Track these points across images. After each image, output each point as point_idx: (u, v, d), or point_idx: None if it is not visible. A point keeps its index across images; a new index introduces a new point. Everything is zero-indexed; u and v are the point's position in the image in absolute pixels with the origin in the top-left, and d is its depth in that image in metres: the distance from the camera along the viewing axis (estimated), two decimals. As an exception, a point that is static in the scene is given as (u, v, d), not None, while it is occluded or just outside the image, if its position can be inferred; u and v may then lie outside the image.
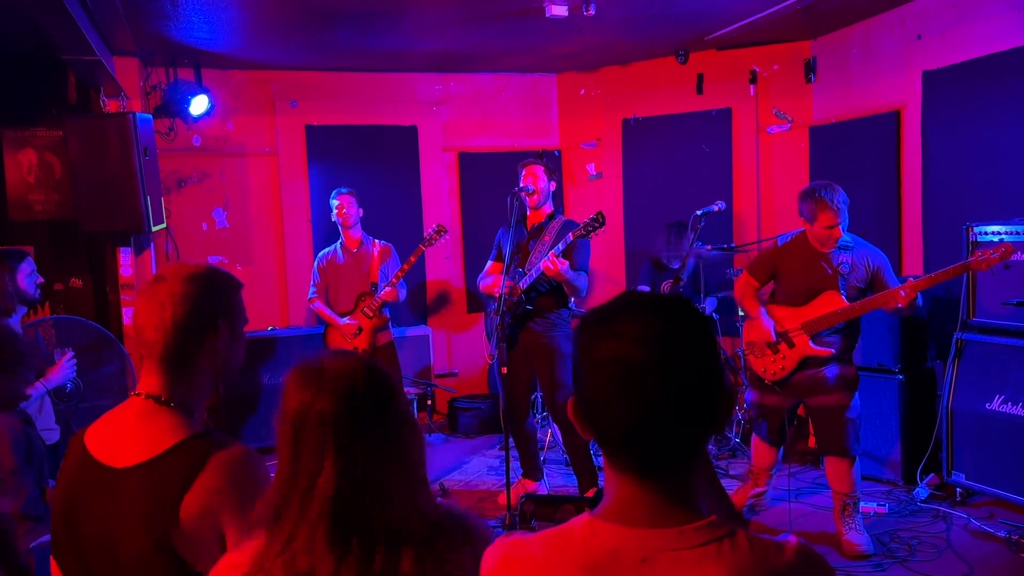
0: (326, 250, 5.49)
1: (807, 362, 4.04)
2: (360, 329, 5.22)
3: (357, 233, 5.39)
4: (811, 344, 3.99)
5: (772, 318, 4.14)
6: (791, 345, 4.05)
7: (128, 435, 1.58)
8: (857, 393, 4.05)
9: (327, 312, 5.32)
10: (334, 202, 5.33)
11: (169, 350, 1.59)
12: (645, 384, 1.08)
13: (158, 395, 1.60)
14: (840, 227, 3.87)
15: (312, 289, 5.44)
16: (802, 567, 1.10)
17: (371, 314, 5.21)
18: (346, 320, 5.23)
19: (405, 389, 5.53)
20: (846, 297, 3.94)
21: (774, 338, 4.09)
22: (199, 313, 1.59)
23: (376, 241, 5.40)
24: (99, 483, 1.56)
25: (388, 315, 5.34)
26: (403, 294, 5.31)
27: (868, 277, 3.97)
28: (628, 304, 1.16)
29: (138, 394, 1.62)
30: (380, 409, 1.35)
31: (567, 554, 1.13)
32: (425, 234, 5.32)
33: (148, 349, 1.61)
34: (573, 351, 1.18)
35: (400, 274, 5.19)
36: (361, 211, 5.38)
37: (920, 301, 3.84)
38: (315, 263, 5.49)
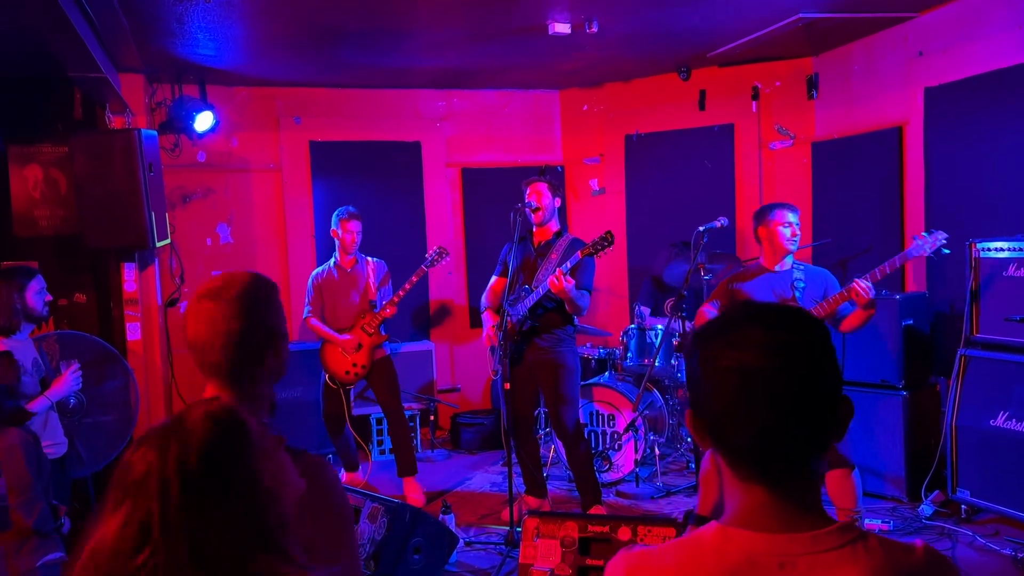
0: (319, 269, 5.51)
1: None
2: (360, 345, 5.25)
3: (353, 254, 5.44)
4: None
5: None
6: None
7: None
8: None
9: (324, 329, 5.33)
10: (341, 225, 5.31)
11: (233, 366, 1.59)
12: (773, 392, 1.11)
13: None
14: (796, 227, 4.11)
15: (307, 308, 5.44)
16: (932, 567, 1.12)
17: (371, 331, 5.25)
18: (346, 336, 5.26)
19: (407, 405, 5.55)
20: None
21: None
22: (259, 328, 1.61)
23: (369, 259, 5.46)
24: None
25: (385, 332, 5.37)
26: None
27: (823, 292, 4.11)
28: (749, 314, 1.19)
29: None
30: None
31: (701, 562, 1.14)
32: (427, 255, 5.37)
33: (213, 369, 1.60)
34: (691, 364, 1.20)
35: (402, 293, 5.23)
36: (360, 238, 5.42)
37: (873, 293, 3.92)
38: (309, 282, 5.50)
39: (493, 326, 4.73)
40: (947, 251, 3.93)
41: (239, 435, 1.19)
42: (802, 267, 4.22)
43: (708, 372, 1.15)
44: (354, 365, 5.26)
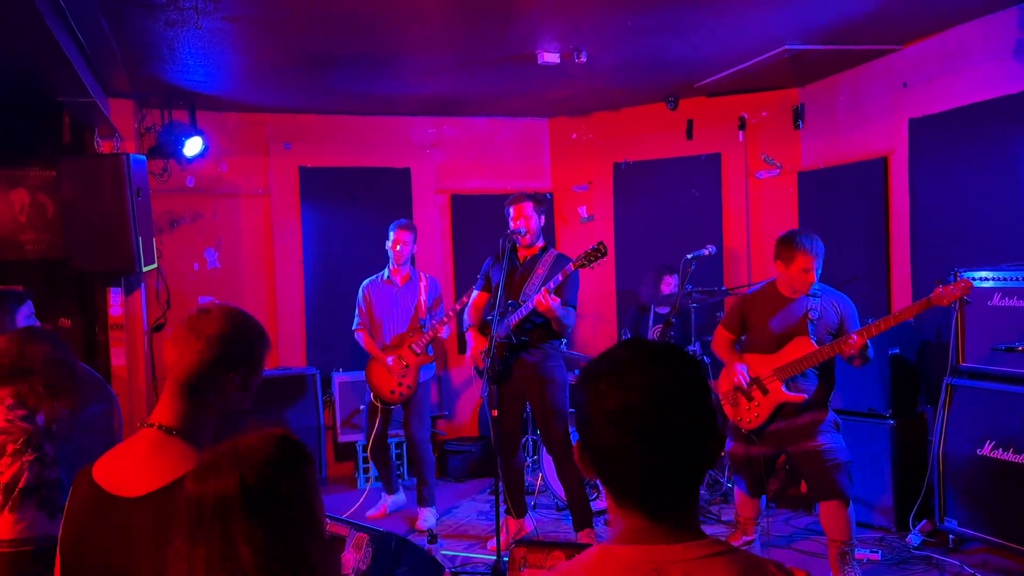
0: (372, 278, 5.48)
1: (782, 410, 4.02)
2: (407, 365, 5.20)
3: (407, 267, 5.42)
4: (784, 390, 3.98)
5: (745, 366, 4.15)
6: (765, 392, 4.03)
7: (139, 465, 1.63)
8: (840, 435, 4.04)
9: (373, 345, 5.32)
10: (391, 234, 5.34)
11: (192, 379, 1.67)
12: (658, 434, 1.18)
13: (170, 426, 1.66)
14: (814, 273, 3.95)
15: (356, 320, 5.42)
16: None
17: (419, 350, 5.21)
18: (392, 359, 5.22)
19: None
20: (816, 342, 3.95)
21: (746, 383, 4.08)
22: (226, 353, 1.68)
23: (423, 275, 5.44)
24: (110, 514, 1.59)
25: (432, 353, 5.34)
26: (447, 331, 5.32)
27: (838, 322, 4.00)
28: (633, 355, 1.24)
29: (151, 425, 1.68)
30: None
31: None
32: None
33: (175, 372, 1.69)
34: (578, 400, 1.25)
35: (451, 314, 5.21)
36: (415, 248, 5.41)
37: (871, 352, 3.84)
38: (360, 292, 5.46)
39: (478, 349, 4.70)
40: (970, 300, 3.77)
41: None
42: (819, 292, 4.03)
43: (596, 412, 1.21)
44: (399, 385, 5.19)
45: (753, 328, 4.17)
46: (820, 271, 3.98)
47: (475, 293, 4.93)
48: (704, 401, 1.22)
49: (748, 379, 4.08)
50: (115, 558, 1.55)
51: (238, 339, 1.70)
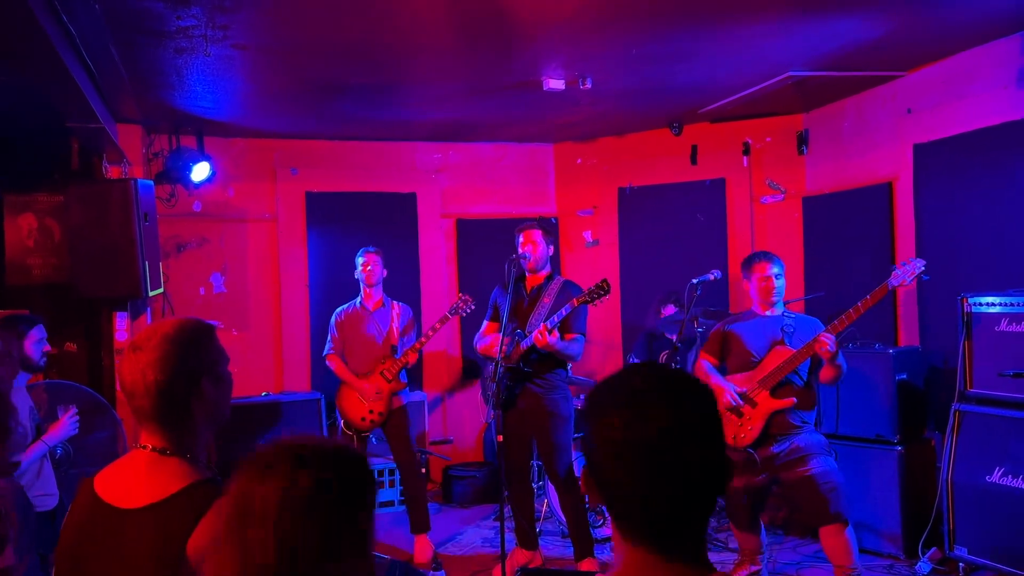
0: (344, 306, 5.45)
1: (773, 420, 4.05)
2: (379, 392, 5.16)
3: (378, 293, 5.38)
4: (771, 397, 4.06)
5: (733, 384, 4.25)
6: (753, 405, 4.10)
7: (138, 480, 1.65)
8: (831, 458, 4.06)
9: (344, 370, 5.27)
10: (360, 259, 5.33)
11: (159, 412, 1.66)
12: (671, 469, 1.15)
13: (163, 448, 1.67)
14: (775, 279, 4.19)
15: (328, 345, 5.38)
16: None
17: (390, 377, 5.17)
18: (365, 386, 5.18)
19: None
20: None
21: (735, 400, 4.12)
22: (180, 374, 1.65)
23: (395, 303, 5.41)
24: (108, 524, 1.61)
25: (405, 380, 5.29)
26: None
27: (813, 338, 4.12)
28: (645, 385, 1.20)
29: (143, 447, 1.69)
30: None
31: None
32: (452, 304, 5.33)
33: (140, 414, 1.68)
34: (586, 430, 1.22)
35: (424, 340, 5.21)
36: (385, 272, 5.39)
37: (842, 359, 4.05)
38: (332, 318, 5.44)
39: (495, 343, 4.63)
40: (927, 277, 3.96)
41: None
42: (792, 315, 4.27)
43: (604, 444, 1.18)
44: (371, 412, 5.14)
45: (733, 350, 4.30)
46: (783, 286, 4.23)
47: (484, 324, 4.91)
48: (716, 433, 1.20)
49: (737, 396, 4.11)
50: (112, 566, 1.57)
51: (182, 354, 1.66)
